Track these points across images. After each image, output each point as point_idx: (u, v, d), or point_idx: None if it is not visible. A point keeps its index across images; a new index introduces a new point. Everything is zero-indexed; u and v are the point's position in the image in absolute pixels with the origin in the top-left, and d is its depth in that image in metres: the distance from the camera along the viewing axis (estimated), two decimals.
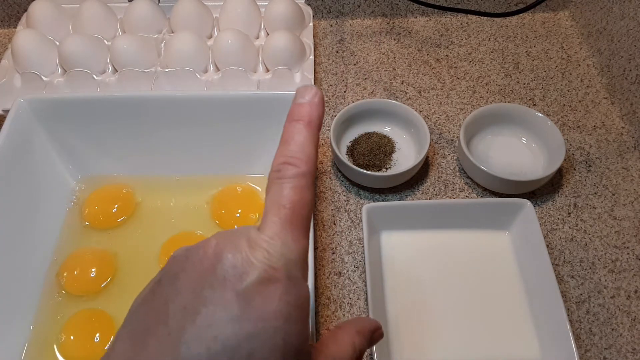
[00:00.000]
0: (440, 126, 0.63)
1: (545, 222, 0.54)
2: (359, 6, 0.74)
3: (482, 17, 0.75)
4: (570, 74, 0.68)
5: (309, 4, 0.71)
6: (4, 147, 0.48)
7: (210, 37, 0.67)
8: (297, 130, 0.26)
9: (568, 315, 0.45)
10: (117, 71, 0.62)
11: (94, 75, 0.61)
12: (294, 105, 0.26)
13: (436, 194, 0.57)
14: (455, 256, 0.51)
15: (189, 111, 0.53)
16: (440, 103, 0.65)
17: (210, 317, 0.21)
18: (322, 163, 0.59)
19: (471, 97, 0.66)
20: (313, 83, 0.62)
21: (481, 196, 0.56)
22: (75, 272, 0.49)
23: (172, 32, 0.66)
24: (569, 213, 0.55)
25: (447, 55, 0.71)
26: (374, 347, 0.43)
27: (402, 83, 0.67)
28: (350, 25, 0.74)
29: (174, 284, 0.24)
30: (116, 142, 0.54)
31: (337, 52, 0.71)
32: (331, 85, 0.67)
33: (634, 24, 0.61)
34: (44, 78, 0.62)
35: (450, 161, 0.59)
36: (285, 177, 0.24)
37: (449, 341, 0.46)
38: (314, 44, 0.69)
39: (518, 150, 0.59)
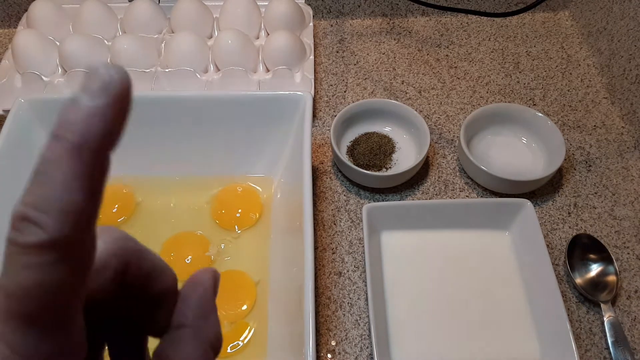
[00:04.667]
0: (440, 126, 0.63)
1: (545, 222, 0.54)
2: (359, 6, 0.74)
3: (482, 17, 0.75)
4: (570, 74, 0.68)
5: (309, 4, 0.71)
6: (4, 147, 0.48)
7: (210, 37, 0.67)
8: (56, 157, 0.14)
9: (568, 315, 0.45)
10: None
11: None
12: (66, 105, 0.14)
13: (436, 194, 0.57)
14: (455, 256, 0.51)
15: (189, 111, 0.53)
16: (440, 103, 0.65)
17: None
18: (322, 163, 0.59)
19: (471, 97, 0.66)
20: (313, 83, 0.62)
21: (481, 196, 0.56)
22: None
23: (172, 32, 0.66)
24: (569, 213, 0.55)
25: (447, 55, 0.71)
26: (374, 347, 0.43)
27: (402, 83, 0.67)
28: (350, 25, 0.74)
29: None
30: None
31: (337, 52, 0.71)
32: (331, 85, 0.67)
33: (634, 24, 0.61)
34: (44, 78, 0.62)
35: (450, 161, 0.59)
36: (18, 244, 0.13)
37: (449, 341, 0.46)
38: (314, 44, 0.69)
39: (518, 150, 0.59)
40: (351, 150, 0.58)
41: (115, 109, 0.14)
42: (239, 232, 0.52)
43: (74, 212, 0.14)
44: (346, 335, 0.47)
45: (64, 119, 0.14)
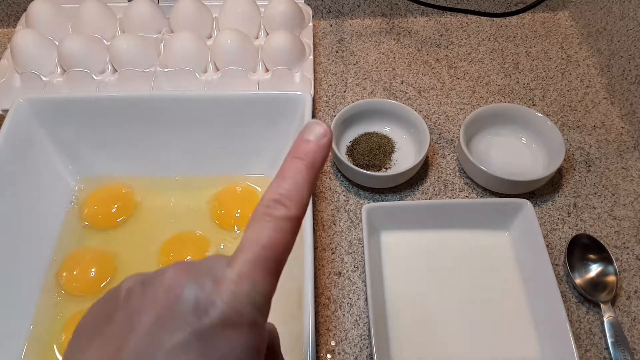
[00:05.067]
0: (440, 126, 0.63)
1: (545, 222, 0.54)
2: (358, 6, 0.74)
3: (482, 17, 0.75)
4: (570, 74, 0.68)
5: (308, 4, 0.71)
6: (3, 147, 0.48)
7: (210, 37, 0.67)
8: (298, 169, 0.23)
9: (568, 315, 0.45)
10: (116, 71, 0.62)
11: (93, 75, 0.61)
12: (300, 141, 0.24)
13: (436, 194, 0.57)
14: (455, 256, 0.51)
15: (188, 111, 0.53)
16: (440, 103, 0.65)
17: None
18: None
19: (471, 97, 0.66)
20: (313, 83, 0.62)
21: (481, 196, 0.56)
22: (75, 272, 0.49)
23: (172, 32, 0.66)
24: (569, 213, 0.55)
25: (447, 55, 0.70)
26: (374, 347, 0.43)
27: (402, 83, 0.67)
28: (350, 25, 0.74)
29: (128, 324, 0.21)
30: (116, 142, 0.54)
31: (336, 52, 0.71)
32: (331, 85, 0.67)
33: (634, 24, 0.61)
34: (44, 78, 0.62)
35: (450, 161, 0.59)
36: (273, 216, 0.22)
37: (449, 341, 0.46)
38: (314, 44, 0.69)
39: (518, 150, 0.59)
40: (351, 150, 0.58)
41: (328, 146, 0.24)
42: (238, 232, 0.52)
43: (304, 203, 0.23)
44: (346, 336, 0.47)
45: (301, 148, 0.24)
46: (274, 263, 0.22)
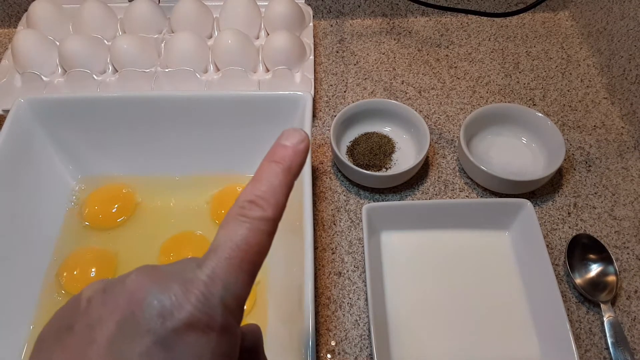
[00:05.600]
0: (440, 126, 0.63)
1: (545, 222, 0.54)
2: (359, 6, 0.74)
3: (482, 17, 0.75)
4: (570, 74, 0.68)
5: (309, 4, 0.71)
6: (4, 147, 0.48)
7: (210, 37, 0.67)
8: (274, 172, 0.23)
9: (568, 315, 0.45)
10: (117, 71, 0.62)
11: (94, 75, 0.61)
12: (276, 146, 0.24)
13: (436, 194, 0.57)
14: (456, 256, 0.51)
15: (189, 111, 0.53)
16: (440, 103, 0.65)
17: None
18: (322, 163, 0.59)
19: (471, 97, 0.66)
20: (313, 83, 0.62)
21: (481, 196, 0.56)
22: (75, 272, 0.49)
23: (172, 32, 0.66)
24: (569, 213, 0.55)
25: (447, 55, 0.71)
26: (374, 347, 0.43)
27: (402, 83, 0.67)
28: (350, 25, 0.74)
29: (88, 335, 0.20)
30: (116, 142, 0.54)
31: (337, 52, 0.71)
32: (331, 85, 0.67)
33: (634, 24, 0.61)
34: (44, 78, 0.62)
35: (450, 161, 0.59)
36: (248, 216, 0.22)
37: (449, 341, 0.46)
38: (314, 44, 0.69)
39: (518, 150, 0.59)
40: (351, 150, 0.58)
41: (305, 152, 0.24)
42: None
43: (281, 206, 0.23)
44: (346, 336, 0.47)
45: (278, 152, 0.24)
46: (249, 264, 0.22)
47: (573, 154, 0.60)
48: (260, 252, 0.22)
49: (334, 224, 0.54)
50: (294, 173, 0.24)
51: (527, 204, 0.50)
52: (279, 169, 0.23)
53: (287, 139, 0.24)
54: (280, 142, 0.24)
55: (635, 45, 0.60)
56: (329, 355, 0.46)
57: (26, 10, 0.67)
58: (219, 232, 0.22)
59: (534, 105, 0.65)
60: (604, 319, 0.47)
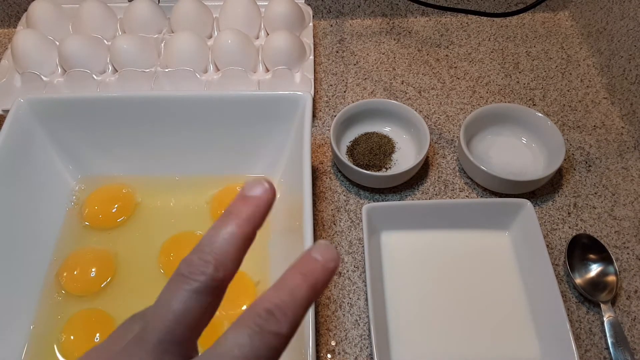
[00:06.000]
0: (440, 126, 0.63)
1: (545, 222, 0.54)
2: (359, 6, 0.74)
3: (482, 17, 0.75)
4: (570, 74, 0.68)
5: (309, 4, 0.71)
6: (3, 147, 0.48)
7: (210, 37, 0.67)
8: (298, 285, 0.21)
9: (568, 315, 0.45)
10: (117, 71, 0.62)
11: (93, 75, 0.61)
12: (307, 257, 0.22)
13: (436, 194, 0.57)
14: (456, 256, 0.51)
15: (189, 111, 0.53)
16: (440, 103, 0.65)
17: None
18: (322, 163, 0.59)
19: (471, 97, 0.66)
20: (313, 83, 0.62)
21: (481, 196, 0.56)
22: (75, 272, 0.49)
23: (172, 32, 0.66)
24: (569, 213, 0.55)
25: (447, 55, 0.71)
26: (374, 347, 0.43)
27: (402, 83, 0.67)
28: (350, 25, 0.74)
29: None
30: (116, 142, 0.54)
31: (337, 52, 0.71)
32: (331, 85, 0.67)
33: (634, 24, 0.61)
34: (44, 78, 0.62)
35: (450, 161, 0.59)
36: (264, 329, 0.20)
37: (449, 341, 0.46)
38: (314, 44, 0.69)
39: (518, 150, 0.59)
40: (351, 150, 0.58)
41: (333, 273, 0.22)
42: None
43: (298, 323, 0.21)
44: (346, 336, 0.47)
45: (307, 266, 0.22)
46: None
47: (573, 154, 0.60)
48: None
49: (334, 224, 0.54)
50: (318, 292, 0.21)
51: (527, 204, 0.50)
52: (305, 283, 0.21)
53: (318, 253, 0.22)
54: (312, 255, 0.22)
55: (635, 45, 0.60)
56: (329, 355, 0.46)
57: (26, 10, 0.67)
58: (227, 335, 0.20)
59: (534, 105, 0.65)
60: (604, 319, 0.47)
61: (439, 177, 0.58)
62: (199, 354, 0.21)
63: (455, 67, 0.69)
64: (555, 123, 0.57)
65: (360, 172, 0.54)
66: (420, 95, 0.66)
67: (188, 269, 0.21)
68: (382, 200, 0.56)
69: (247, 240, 0.22)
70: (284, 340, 0.20)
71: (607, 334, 0.46)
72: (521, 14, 0.71)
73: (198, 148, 0.54)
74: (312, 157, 0.48)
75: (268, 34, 0.65)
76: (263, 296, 0.21)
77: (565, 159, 0.57)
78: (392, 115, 0.59)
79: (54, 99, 0.52)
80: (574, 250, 0.51)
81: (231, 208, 0.23)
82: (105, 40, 0.64)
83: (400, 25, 0.74)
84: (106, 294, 0.48)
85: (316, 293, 0.21)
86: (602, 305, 0.48)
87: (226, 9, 0.65)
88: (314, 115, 0.63)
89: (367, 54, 0.71)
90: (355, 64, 0.69)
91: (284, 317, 0.20)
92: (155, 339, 0.20)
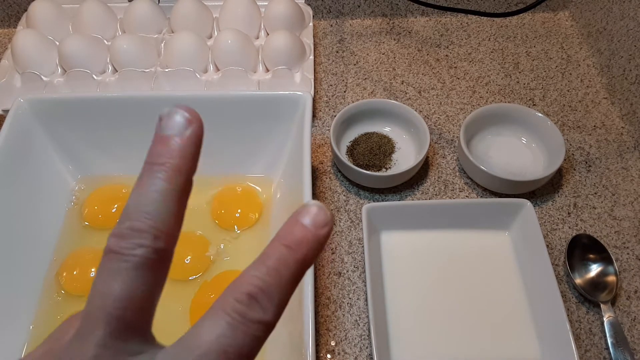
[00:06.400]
0: (440, 126, 0.63)
1: (545, 222, 0.54)
2: (359, 6, 0.74)
3: (482, 17, 0.75)
4: (570, 74, 0.68)
5: (309, 4, 0.71)
6: (3, 147, 0.48)
7: (210, 37, 0.67)
8: (285, 260, 0.18)
9: (568, 315, 0.45)
10: (117, 71, 0.62)
11: (93, 75, 0.61)
12: (294, 223, 0.18)
13: (436, 194, 0.57)
14: (455, 256, 0.51)
15: None
16: (440, 103, 0.65)
17: None
18: (322, 163, 0.59)
19: (471, 97, 0.66)
20: (313, 83, 0.62)
21: (481, 196, 0.56)
22: (75, 272, 0.49)
23: (172, 32, 0.66)
24: (569, 213, 0.55)
25: (447, 55, 0.70)
26: (374, 347, 0.43)
27: (402, 83, 0.67)
28: (350, 25, 0.74)
29: None
30: (116, 142, 0.54)
31: (337, 52, 0.71)
32: (331, 85, 0.67)
33: (634, 24, 0.61)
34: (44, 78, 0.62)
35: (450, 161, 0.59)
36: (246, 318, 0.17)
37: (449, 341, 0.46)
38: (314, 44, 0.69)
39: (518, 150, 0.59)
40: (351, 151, 0.58)
41: (325, 240, 0.18)
42: (238, 232, 0.52)
43: (284, 306, 0.18)
44: (346, 336, 0.47)
45: (294, 235, 0.18)
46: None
47: (573, 154, 0.60)
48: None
49: (334, 224, 0.54)
50: (308, 265, 0.18)
51: (527, 204, 0.50)
52: (292, 257, 0.18)
53: (308, 217, 0.18)
54: (299, 220, 0.18)
55: (635, 45, 0.60)
56: (329, 356, 0.46)
57: (26, 10, 0.67)
58: (204, 323, 0.17)
59: (534, 105, 0.65)
60: (604, 319, 0.47)
61: (439, 177, 0.58)
62: (156, 340, 0.18)
63: (455, 67, 0.69)
64: (555, 123, 0.57)
65: (360, 172, 0.54)
66: (420, 95, 0.66)
67: (120, 244, 0.17)
68: (382, 200, 0.56)
69: (183, 193, 0.19)
70: (269, 327, 0.17)
71: (607, 334, 0.46)
72: (521, 14, 0.71)
73: None
74: (312, 157, 0.48)
75: (268, 34, 0.65)
76: (243, 276, 0.18)
77: (565, 159, 0.57)
78: (392, 115, 0.59)
79: (54, 99, 0.52)
80: (574, 250, 0.51)
81: (151, 157, 0.19)
82: (105, 40, 0.64)
83: (400, 25, 0.74)
84: None
85: (305, 268, 0.18)
86: (602, 305, 0.48)
87: (226, 9, 0.65)
88: (314, 115, 0.63)
89: (367, 54, 0.71)
90: (355, 64, 0.69)
91: (269, 302, 0.17)
92: (100, 332, 0.17)
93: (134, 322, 0.17)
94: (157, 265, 0.18)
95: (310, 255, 0.18)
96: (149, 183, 0.18)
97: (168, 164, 0.18)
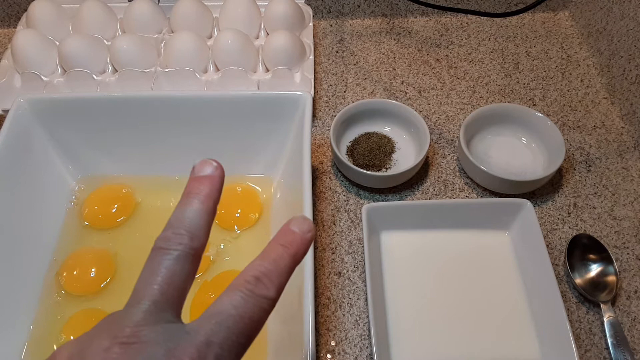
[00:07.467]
0: (440, 126, 0.63)
1: (545, 222, 0.54)
2: (359, 6, 0.74)
3: (482, 17, 0.75)
4: (570, 74, 0.68)
5: (309, 4, 0.71)
6: (3, 147, 0.48)
7: (210, 37, 0.67)
8: (280, 254, 0.24)
9: (568, 315, 0.45)
10: (116, 71, 0.62)
11: (93, 75, 0.61)
12: (285, 230, 0.25)
13: (436, 194, 0.57)
14: (456, 256, 0.51)
15: (188, 111, 0.53)
16: (440, 103, 0.65)
17: None
18: (322, 163, 0.59)
19: (471, 97, 0.66)
20: (313, 83, 0.62)
21: (481, 196, 0.56)
22: (75, 272, 0.49)
23: (172, 32, 0.66)
24: (569, 213, 0.55)
25: (447, 55, 0.71)
26: (374, 347, 0.43)
27: (402, 83, 0.67)
28: (350, 25, 0.74)
29: None
30: (116, 142, 0.54)
31: (337, 52, 0.71)
32: (331, 85, 0.67)
33: (634, 24, 0.61)
34: (44, 78, 0.62)
35: (450, 161, 0.59)
36: (254, 293, 0.23)
37: (449, 341, 0.46)
38: (314, 44, 0.69)
39: (518, 150, 0.59)
40: (351, 151, 0.58)
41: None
42: (238, 232, 0.52)
43: (282, 288, 0.25)
44: (346, 336, 0.47)
45: (287, 237, 0.25)
46: (246, 338, 0.23)
47: (573, 154, 0.60)
48: (258, 328, 0.23)
49: (334, 224, 0.54)
50: (298, 260, 0.25)
51: (527, 204, 0.50)
52: (286, 253, 0.24)
53: (296, 226, 0.25)
54: (290, 228, 0.25)
55: (635, 45, 0.60)
56: (329, 355, 0.46)
57: (26, 10, 0.67)
58: (222, 298, 0.23)
59: (534, 105, 0.65)
60: (604, 319, 0.47)
61: (439, 177, 0.58)
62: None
63: (455, 67, 0.69)
64: (555, 123, 0.57)
65: (360, 172, 0.54)
66: (420, 95, 0.66)
67: (166, 243, 0.24)
68: (382, 200, 0.56)
69: (211, 213, 0.25)
70: (272, 302, 0.24)
71: (607, 334, 0.46)
72: (521, 14, 0.71)
73: (198, 148, 0.54)
74: (312, 157, 0.48)
75: (268, 34, 0.65)
76: (251, 265, 0.24)
77: (565, 159, 0.57)
78: (392, 115, 0.59)
79: (53, 98, 0.52)
80: (574, 250, 0.51)
81: (189, 189, 0.26)
82: (105, 40, 0.64)
83: (400, 25, 0.74)
84: (106, 294, 0.48)
85: (296, 261, 0.25)
86: (602, 305, 0.48)
87: (226, 9, 0.65)
88: (314, 115, 0.63)
89: (367, 54, 0.71)
90: (355, 64, 0.69)
91: (271, 282, 0.24)
92: (147, 302, 0.22)
93: (171, 299, 0.23)
94: (191, 260, 0.24)
95: (300, 252, 0.25)
96: (188, 204, 0.25)
97: (202, 193, 0.25)
